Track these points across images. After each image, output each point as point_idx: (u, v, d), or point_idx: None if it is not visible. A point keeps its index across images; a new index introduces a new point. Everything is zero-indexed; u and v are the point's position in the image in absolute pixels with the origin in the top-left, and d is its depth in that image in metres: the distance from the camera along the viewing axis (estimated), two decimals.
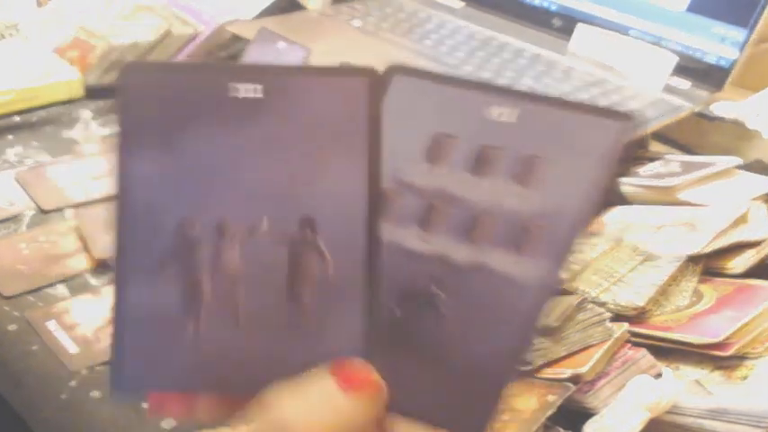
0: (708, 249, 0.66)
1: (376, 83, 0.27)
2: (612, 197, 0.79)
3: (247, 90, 0.27)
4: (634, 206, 0.77)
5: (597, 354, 0.55)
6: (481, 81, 0.28)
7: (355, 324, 0.27)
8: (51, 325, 0.63)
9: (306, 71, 0.28)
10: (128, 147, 0.28)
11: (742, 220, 0.69)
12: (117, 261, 0.28)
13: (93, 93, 0.96)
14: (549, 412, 0.51)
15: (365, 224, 0.27)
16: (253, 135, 0.28)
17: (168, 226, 0.28)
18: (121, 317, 0.28)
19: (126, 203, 0.28)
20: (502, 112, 0.27)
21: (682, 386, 0.54)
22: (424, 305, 0.28)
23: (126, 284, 0.28)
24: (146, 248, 0.28)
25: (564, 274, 0.27)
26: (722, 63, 0.89)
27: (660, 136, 0.90)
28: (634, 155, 0.85)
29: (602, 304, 0.61)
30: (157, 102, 0.28)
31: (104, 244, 0.71)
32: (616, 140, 0.27)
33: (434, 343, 0.28)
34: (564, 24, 1.01)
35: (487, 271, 0.27)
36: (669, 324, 0.60)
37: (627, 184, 0.79)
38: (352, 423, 0.26)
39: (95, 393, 0.57)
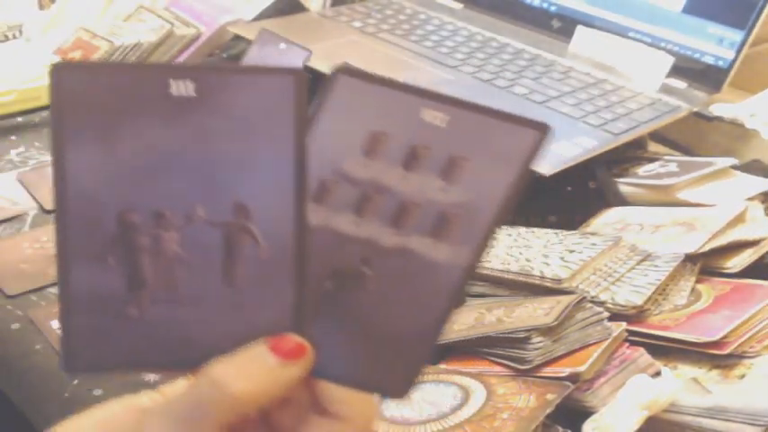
0: (705, 249, 0.66)
1: (301, 81, 0.30)
2: (611, 197, 0.79)
3: (180, 88, 0.30)
4: (633, 206, 0.78)
5: (596, 353, 0.55)
6: (418, 86, 0.31)
7: (286, 299, 0.31)
8: (54, 324, 0.63)
9: (236, 70, 0.31)
10: (66, 142, 0.30)
11: (740, 219, 0.70)
12: (59, 248, 0.30)
13: None
14: (548, 411, 0.51)
15: (294, 209, 0.30)
16: (186, 130, 0.30)
17: (109, 216, 0.30)
18: (67, 301, 0.31)
19: (66, 195, 0.30)
20: (434, 116, 0.31)
21: (680, 385, 0.54)
22: (353, 282, 0.31)
23: (70, 270, 0.30)
24: (88, 237, 0.30)
25: (478, 261, 0.31)
26: (720, 64, 0.89)
27: (659, 137, 0.90)
28: (632, 155, 0.85)
29: (601, 303, 0.61)
30: (91, 100, 0.30)
31: None
32: (531, 147, 0.30)
33: (361, 315, 0.31)
34: (563, 26, 1.01)
35: (410, 253, 0.31)
36: (667, 323, 0.60)
37: (626, 185, 0.80)
38: (281, 382, 0.30)
39: (98, 391, 0.58)
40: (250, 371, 0.30)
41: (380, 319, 0.31)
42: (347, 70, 0.32)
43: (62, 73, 0.30)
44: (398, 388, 0.31)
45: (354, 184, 0.31)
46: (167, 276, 0.31)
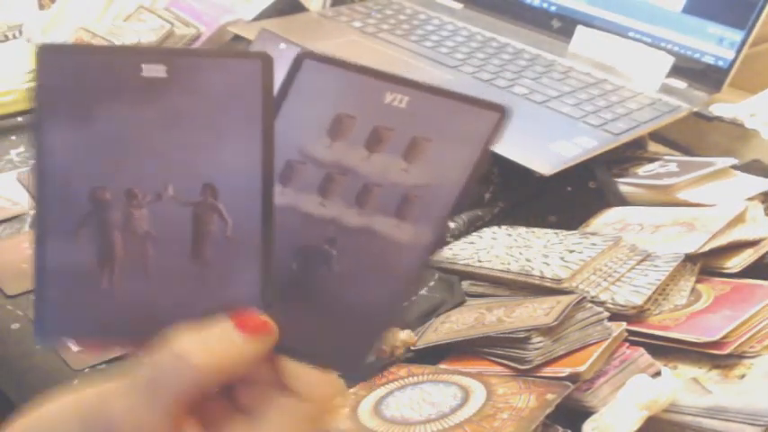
0: (705, 249, 0.66)
1: (268, 65, 0.31)
2: (611, 197, 0.79)
3: (151, 70, 0.31)
4: (633, 206, 0.78)
5: (596, 353, 0.55)
6: (380, 70, 0.32)
7: (253, 277, 0.31)
8: None
9: (205, 53, 0.34)
10: (44, 121, 0.31)
11: (740, 219, 0.70)
12: (36, 222, 0.32)
13: None
14: (548, 411, 0.51)
15: (261, 190, 0.31)
16: (157, 111, 0.31)
17: (82, 192, 0.31)
18: (41, 273, 0.32)
19: (43, 172, 0.31)
20: (394, 98, 0.32)
21: (680, 385, 0.54)
22: (318, 261, 0.32)
23: (45, 243, 0.31)
24: (63, 212, 0.32)
25: (440, 241, 0.31)
26: (720, 64, 0.89)
27: (659, 137, 0.90)
28: (632, 155, 0.85)
29: (601, 303, 0.61)
30: (70, 80, 0.31)
31: None
32: (491, 128, 0.31)
33: (325, 294, 0.32)
34: (563, 26, 1.01)
35: (373, 233, 0.32)
36: (667, 323, 0.60)
37: (626, 185, 0.80)
38: (244, 357, 0.30)
39: None
40: (213, 345, 0.30)
41: (345, 298, 0.32)
42: (312, 54, 0.33)
43: (47, 54, 0.31)
44: (351, 363, 0.32)
45: (319, 166, 0.32)
46: (137, 253, 0.32)
